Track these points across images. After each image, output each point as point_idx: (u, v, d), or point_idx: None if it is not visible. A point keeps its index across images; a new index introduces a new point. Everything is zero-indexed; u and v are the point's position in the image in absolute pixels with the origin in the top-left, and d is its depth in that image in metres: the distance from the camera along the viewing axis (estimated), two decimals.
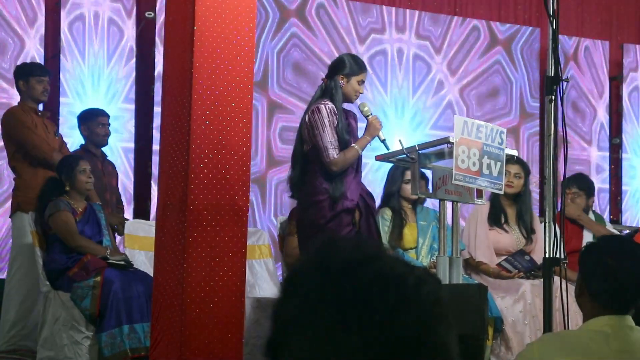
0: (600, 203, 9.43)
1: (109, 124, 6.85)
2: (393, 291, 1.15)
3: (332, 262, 1.18)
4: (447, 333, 1.17)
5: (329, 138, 5.38)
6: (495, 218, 6.60)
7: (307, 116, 5.50)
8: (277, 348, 1.19)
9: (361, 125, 5.60)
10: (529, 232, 6.62)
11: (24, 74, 6.56)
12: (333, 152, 5.37)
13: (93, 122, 6.76)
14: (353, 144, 5.42)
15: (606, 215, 9.36)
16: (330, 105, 5.46)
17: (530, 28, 9.25)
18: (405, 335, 1.14)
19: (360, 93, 5.54)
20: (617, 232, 7.24)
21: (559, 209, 5.75)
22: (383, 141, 5.43)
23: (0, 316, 6.30)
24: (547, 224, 4.69)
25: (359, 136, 5.52)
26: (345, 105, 5.56)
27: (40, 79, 6.53)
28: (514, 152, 5.66)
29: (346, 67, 5.54)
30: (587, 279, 2.79)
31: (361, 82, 5.53)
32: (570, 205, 6.95)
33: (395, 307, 1.14)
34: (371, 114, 5.51)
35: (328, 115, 5.41)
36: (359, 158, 5.53)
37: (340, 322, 1.13)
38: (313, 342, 1.14)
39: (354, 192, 5.44)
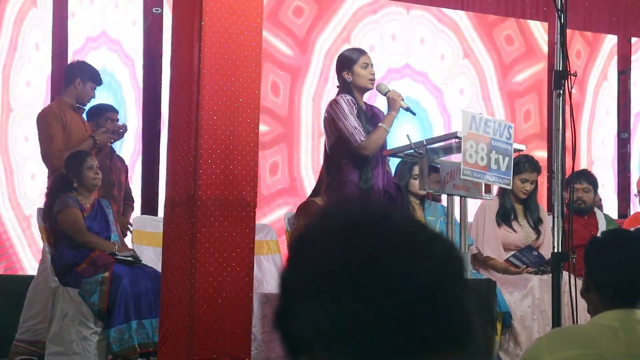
0: (608, 197, 9.41)
1: (117, 120, 6.85)
2: (403, 252, 1.10)
3: (337, 226, 1.13)
4: (462, 291, 1.12)
5: (353, 124, 5.35)
6: (505, 216, 6.60)
7: (326, 112, 5.49)
8: (286, 319, 1.15)
9: None
10: (537, 224, 6.63)
11: (85, 75, 6.57)
12: (360, 137, 5.34)
13: (102, 117, 6.77)
14: (379, 124, 5.40)
15: (615, 211, 9.34)
16: (348, 96, 5.43)
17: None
18: (418, 296, 1.09)
19: (373, 74, 5.49)
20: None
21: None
22: (407, 109, 5.40)
23: (24, 307, 6.26)
24: (555, 219, 4.68)
25: None
26: (371, 101, 5.54)
27: (94, 85, 6.59)
28: (522, 147, 5.65)
29: (343, 61, 5.53)
30: (593, 273, 2.79)
31: (365, 66, 5.48)
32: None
33: (406, 268, 1.09)
34: (389, 90, 5.47)
35: (347, 104, 5.39)
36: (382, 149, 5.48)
37: (349, 289, 1.09)
38: (322, 311, 1.10)
39: (380, 184, 5.42)
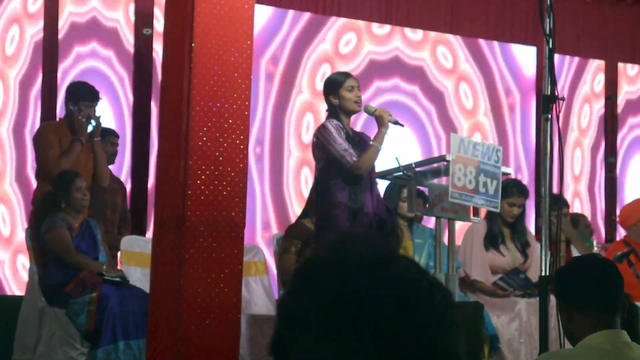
0: (597, 222, 9.44)
1: (117, 144, 6.84)
2: (407, 295, 1.15)
3: (346, 262, 1.16)
4: (458, 339, 1.17)
5: (343, 146, 5.38)
6: (492, 240, 6.63)
7: (314, 137, 5.52)
8: (284, 346, 1.16)
9: None
10: (524, 247, 6.67)
11: (76, 95, 6.50)
12: (351, 157, 5.37)
13: (103, 140, 6.69)
14: (371, 142, 5.43)
15: (602, 236, 9.37)
16: (335, 121, 5.48)
17: None
18: (418, 340, 1.13)
19: (359, 97, 5.52)
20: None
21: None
22: (396, 122, 5.44)
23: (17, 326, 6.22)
24: (543, 243, 4.70)
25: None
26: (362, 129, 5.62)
27: (89, 104, 6.49)
28: (510, 171, 5.68)
29: (329, 86, 5.57)
30: (575, 298, 2.86)
31: (351, 88, 5.51)
32: (565, 224, 7.01)
33: (410, 312, 1.14)
34: (376, 109, 5.52)
35: (335, 128, 5.43)
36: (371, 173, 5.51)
37: (353, 325, 1.12)
38: (324, 343, 1.13)
39: (369, 206, 5.44)
